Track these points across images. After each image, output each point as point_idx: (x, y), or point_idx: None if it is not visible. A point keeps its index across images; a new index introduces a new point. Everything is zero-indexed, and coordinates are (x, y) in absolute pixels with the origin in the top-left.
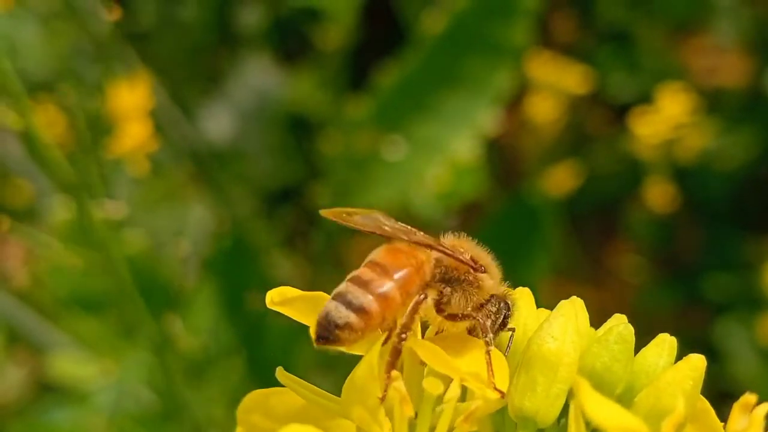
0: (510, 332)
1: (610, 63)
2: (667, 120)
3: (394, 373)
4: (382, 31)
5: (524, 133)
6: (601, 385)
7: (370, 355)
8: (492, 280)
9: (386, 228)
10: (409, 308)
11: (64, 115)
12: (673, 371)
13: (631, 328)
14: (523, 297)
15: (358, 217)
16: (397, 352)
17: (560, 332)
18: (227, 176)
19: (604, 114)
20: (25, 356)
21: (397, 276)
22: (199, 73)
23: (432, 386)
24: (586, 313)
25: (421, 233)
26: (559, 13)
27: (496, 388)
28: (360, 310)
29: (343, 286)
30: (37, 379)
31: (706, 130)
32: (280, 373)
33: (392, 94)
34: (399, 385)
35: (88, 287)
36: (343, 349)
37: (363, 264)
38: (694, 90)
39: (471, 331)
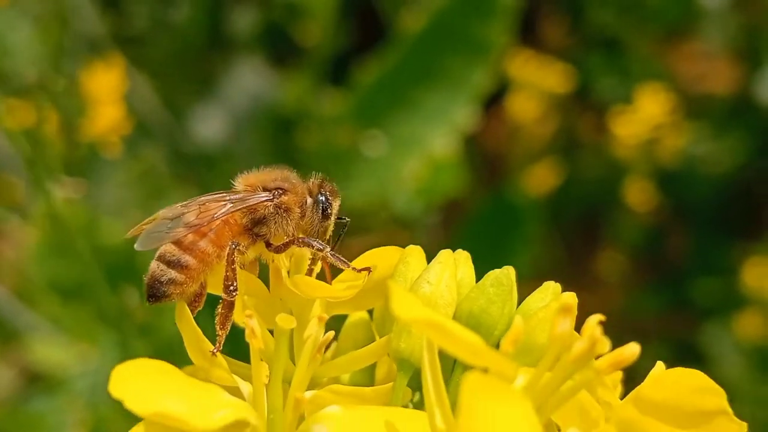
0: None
1: (599, 68)
2: (645, 120)
3: (247, 311)
4: (363, 29)
5: (507, 132)
6: (479, 327)
7: (184, 321)
8: (294, 193)
9: (173, 212)
10: (226, 261)
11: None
12: (544, 309)
13: (509, 273)
14: (413, 254)
15: (147, 225)
16: (230, 305)
17: (435, 278)
18: (217, 177)
19: (593, 119)
20: (8, 344)
21: (204, 229)
22: (191, 76)
23: (284, 321)
24: (472, 265)
25: (213, 195)
26: (550, 19)
27: (357, 270)
28: (177, 266)
29: (161, 248)
30: (21, 366)
31: (686, 131)
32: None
33: (372, 90)
34: (249, 322)
35: (65, 274)
36: (170, 302)
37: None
38: (683, 95)
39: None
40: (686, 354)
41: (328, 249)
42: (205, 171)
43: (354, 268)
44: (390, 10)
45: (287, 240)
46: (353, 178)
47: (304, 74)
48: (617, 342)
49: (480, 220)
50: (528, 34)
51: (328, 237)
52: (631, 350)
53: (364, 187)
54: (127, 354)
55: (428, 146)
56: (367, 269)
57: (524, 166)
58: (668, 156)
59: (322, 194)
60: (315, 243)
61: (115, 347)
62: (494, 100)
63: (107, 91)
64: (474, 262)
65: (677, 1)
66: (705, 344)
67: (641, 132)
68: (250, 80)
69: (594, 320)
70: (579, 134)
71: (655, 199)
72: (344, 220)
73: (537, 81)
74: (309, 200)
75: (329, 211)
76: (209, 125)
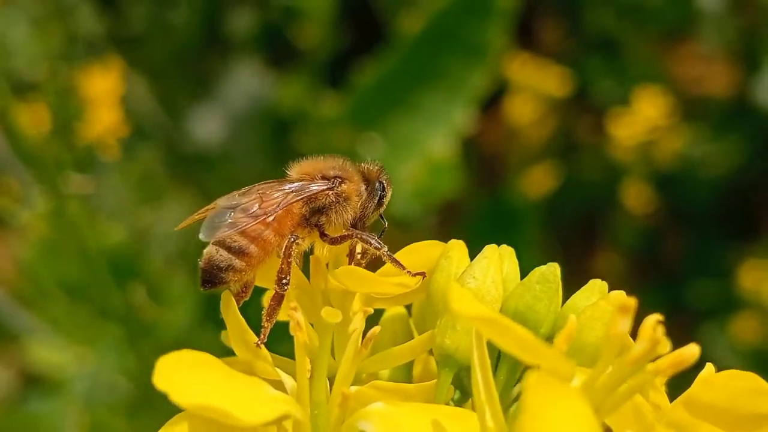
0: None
1: (597, 71)
2: (643, 122)
3: (292, 303)
4: (361, 31)
5: (505, 134)
6: (525, 324)
7: (229, 312)
8: (352, 182)
9: (232, 201)
10: (283, 253)
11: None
12: (592, 307)
13: (555, 269)
14: (454, 248)
15: (207, 214)
16: (279, 297)
17: (481, 273)
18: (215, 178)
19: (591, 121)
20: (6, 346)
21: (269, 219)
22: (189, 77)
23: (329, 315)
24: (516, 261)
25: (270, 184)
26: (548, 22)
27: (412, 273)
28: (240, 253)
29: (220, 232)
30: (19, 368)
31: (683, 133)
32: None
33: (370, 92)
34: (294, 314)
35: (64, 274)
36: (223, 288)
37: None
38: (681, 98)
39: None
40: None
41: (386, 248)
42: (203, 172)
43: (409, 272)
44: (388, 12)
45: (345, 233)
46: None
47: (302, 76)
48: None
49: (478, 222)
50: (526, 36)
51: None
52: (691, 351)
53: None
54: (129, 354)
55: (426, 148)
56: (422, 274)
57: (522, 168)
58: (666, 158)
59: (380, 182)
60: (373, 240)
61: (114, 349)
62: (492, 103)
63: (105, 94)
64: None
65: (675, 4)
66: (702, 347)
67: (638, 134)
68: (247, 82)
69: (653, 320)
70: (577, 136)
71: (653, 202)
72: (383, 221)
73: (535, 83)
74: (364, 188)
75: (384, 200)
76: (207, 126)
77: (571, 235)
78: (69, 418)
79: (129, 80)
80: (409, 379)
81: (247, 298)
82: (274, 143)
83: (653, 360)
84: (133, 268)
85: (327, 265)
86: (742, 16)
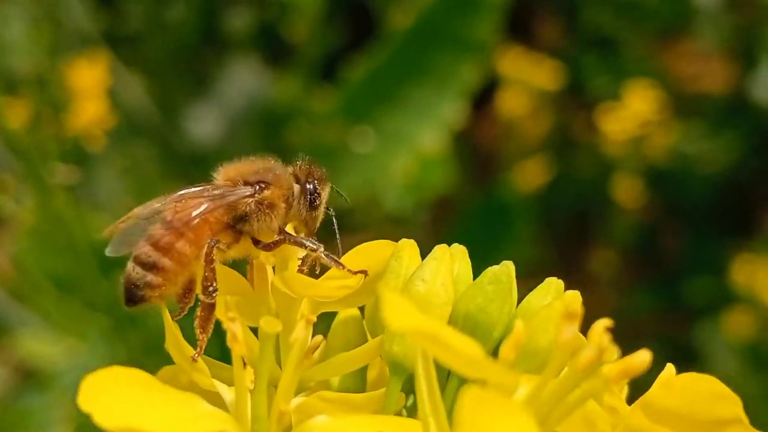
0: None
1: (594, 67)
2: (633, 116)
3: (230, 313)
4: (355, 28)
5: (499, 130)
6: (476, 327)
7: (166, 324)
8: (278, 186)
9: (148, 209)
10: (204, 260)
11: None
12: (546, 309)
13: (508, 269)
14: (406, 249)
15: (121, 225)
16: (209, 307)
17: (431, 275)
18: (210, 176)
19: (587, 117)
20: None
21: (182, 230)
22: (185, 75)
23: (269, 325)
24: (468, 260)
25: (191, 190)
26: (545, 18)
27: (353, 272)
28: (154, 268)
29: (137, 247)
30: (10, 362)
31: (676, 129)
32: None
33: (361, 87)
34: (231, 326)
35: (55, 266)
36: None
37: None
38: (677, 95)
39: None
40: (679, 352)
41: (322, 248)
42: (199, 170)
43: (349, 270)
44: (380, 8)
45: (277, 238)
46: (342, 174)
47: (297, 73)
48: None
49: (470, 218)
50: (523, 33)
51: (317, 226)
52: (642, 358)
53: (353, 183)
54: (117, 344)
55: (417, 142)
56: (363, 272)
57: (516, 163)
58: (658, 153)
59: (309, 182)
60: (308, 242)
61: (104, 340)
62: (486, 98)
63: (91, 86)
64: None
65: (672, 1)
66: (698, 343)
67: (629, 129)
68: (244, 80)
69: (601, 326)
70: (574, 133)
71: (646, 197)
72: (331, 212)
73: (527, 78)
74: (296, 189)
75: (317, 202)
76: (204, 125)
77: (564, 232)
78: (58, 411)
79: (126, 78)
80: (363, 384)
81: (191, 304)
82: (271, 141)
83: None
84: (120, 260)
85: (274, 269)
86: (738, 14)
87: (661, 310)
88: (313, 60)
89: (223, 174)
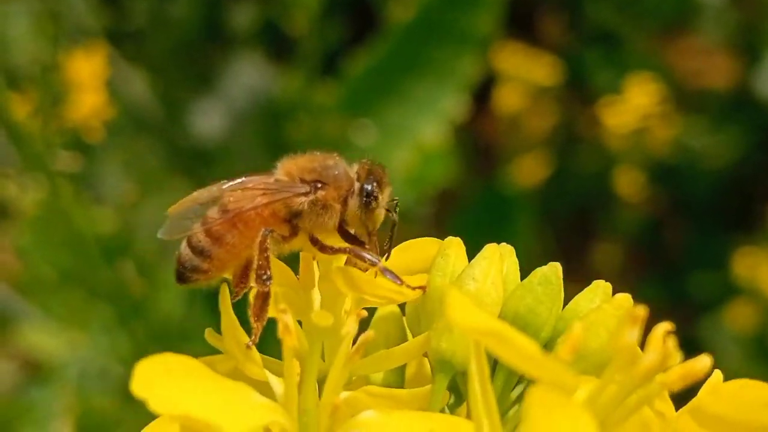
0: (394, 205)
1: (597, 63)
2: (635, 109)
3: (281, 305)
4: (357, 22)
5: (499, 122)
6: (525, 328)
7: (224, 309)
8: (336, 187)
9: (207, 193)
10: (258, 248)
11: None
12: (596, 312)
13: (557, 270)
14: (452, 246)
15: (179, 207)
16: (264, 295)
17: (481, 274)
18: (215, 172)
19: (590, 112)
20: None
21: (235, 220)
22: (189, 71)
23: (320, 318)
24: (516, 259)
25: (252, 180)
26: (548, 14)
27: (412, 288)
28: (202, 254)
29: (194, 228)
30: (12, 354)
31: (679, 123)
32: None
33: (362, 80)
34: (283, 317)
35: (58, 258)
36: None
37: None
38: (681, 90)
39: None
40: (683, 346)
41: (381, 263)
42: (203, 165)
43: (408, 286)
44: (381, 1)
45: (337, 247)
46: None
47: (299, 68)
48: None
49: (472, 212)
50: (525, 28)
51: (376, 227)
52: (703, 363)
53: None
54: (121, 336)
55: (418, 136)
56: (423, 288)
57: (517, 158)
58: (660, 147)
59: (368, 183)
60: (368, 256)
61: (107, 332)
62: (487, 92)
63: (90, 77)
64: (467, 253)
65: None
66: (702, 336)
67: (630, 122)
68: (248, 76)
69: (661, 330)
70: (576, 127)
71: (648, 191)
72: (393, 216)
73: (528, 73)
74: (356, 188)
75: (373, 205)
76: (208, 121)
77: (567, 226)
78: (60, 403)
79: (130, 74)
80: (401, 381)
81: (246, 289)
82: (273, 136)
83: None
84: (124, 251)
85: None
86: (741, 8)
87: (665, 304)
88: (315, 55)
89: (284, 166)
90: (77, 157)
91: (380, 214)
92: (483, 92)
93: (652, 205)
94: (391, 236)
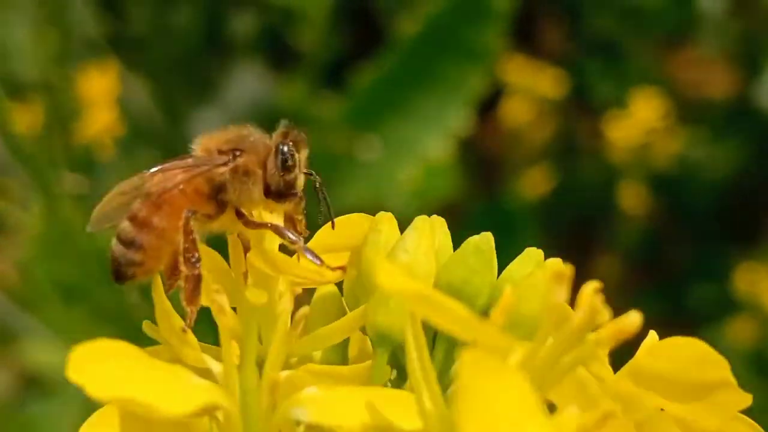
0: (310, 176)
1: (598, 74)
2: (639, 123)
3: (214, 286)
4: (362, 35)
5: (503, 136)
6: (460, 298)
7: (156, 298)
8: (254, 153)
9: (130, 184)
10: (183, 231)
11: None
12: (528, 278)
13: (489, 239)
14: (384, 221)
15: (104, 201)
16: (194, 278)
17: (413, 245)
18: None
19: (591, 125)
20: (4, 347)
21: (157, 202)
22: (191, 80)
23: (254, 296)
24: (448, 232)
25: (170, 163)
26: (549, 25)
27: (331, 268)
28: (133, 245)
29: (119, 226)
30: (17, 369)
31: (681, 135)
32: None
33: (367, 95)
34: (217, 298)
35: (62, 274)
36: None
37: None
38: (681, 101)
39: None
40: None
41: (301, 242)
42: None
43: (328, 267)
44: (387, 15)
45: (260, 222)
46: (348, 182)
47: (302, 79)
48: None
49: (476, 225)
50: (526, 39)
51: (296, 191)
52: (632, 319)
53: (359, 192)
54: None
55: (423, 150)
56: (342, 268)
57: (521, 170)
58: (664, 160)
59: (283, 144)
60: (288, 234)
61: None
62: (490, 105)
63: (101, 94)
64: None
65: (676, 7)
66: None
67: (635, 136)
68: (249, 85)
69: (590, 288)
70: (577, 140)
71: (651, 204)
72: (313, 176)
73: (532, 85)
74: (272, 150)
75: (290, 162)
76: (208, 129)
77: (569, 238)
78: (65, 420)
79: (130, 83)
80: (344, 361)
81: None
82: None
83: (593, 331)
84: None
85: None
86: (743, 20)
87: (665, 317)
88: (319, 66)
89: (201, 144)
90: (83, 179)
91: (298, 177)
92: (486, 105)
93: (653, 217)
94: (325, 210)
